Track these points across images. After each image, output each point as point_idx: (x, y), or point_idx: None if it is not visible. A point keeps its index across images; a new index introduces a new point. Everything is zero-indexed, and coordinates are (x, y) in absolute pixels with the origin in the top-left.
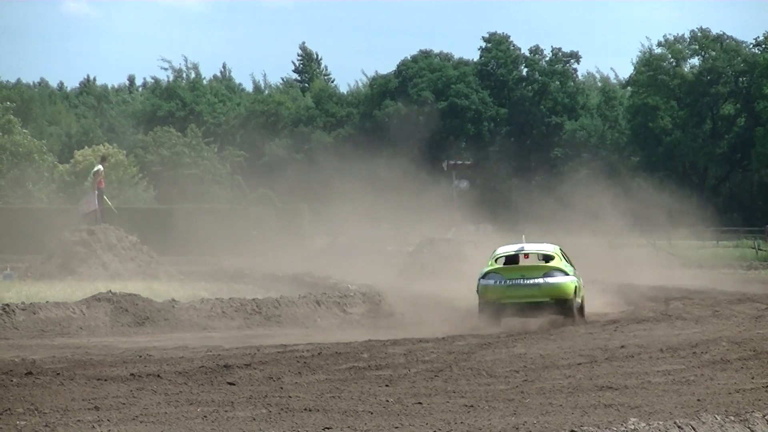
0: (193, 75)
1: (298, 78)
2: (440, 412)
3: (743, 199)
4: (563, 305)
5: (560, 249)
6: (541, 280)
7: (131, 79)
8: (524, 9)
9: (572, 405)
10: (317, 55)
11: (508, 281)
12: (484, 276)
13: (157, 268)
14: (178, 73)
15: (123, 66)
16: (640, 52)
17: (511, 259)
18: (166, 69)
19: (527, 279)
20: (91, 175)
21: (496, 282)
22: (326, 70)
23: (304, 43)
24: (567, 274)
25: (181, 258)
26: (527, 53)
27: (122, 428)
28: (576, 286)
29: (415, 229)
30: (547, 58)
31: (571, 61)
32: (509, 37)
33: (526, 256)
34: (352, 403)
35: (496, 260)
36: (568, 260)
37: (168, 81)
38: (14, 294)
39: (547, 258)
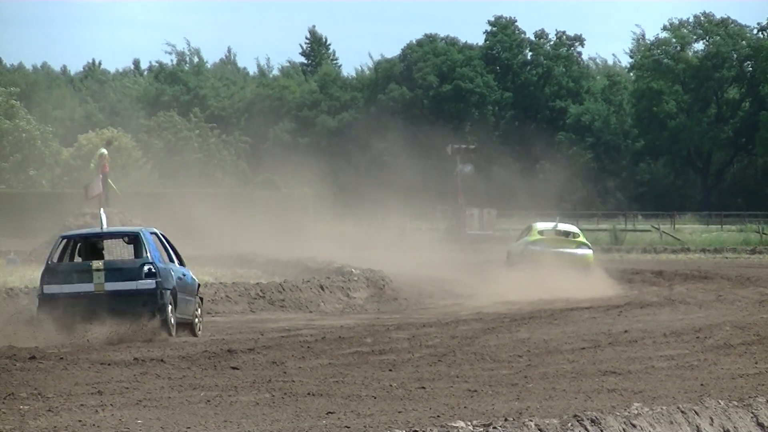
0: (196, 59)
1: (305, 62)
2: (443, 397)
3: (748, 184)
4: (586, 268)
5: (580, 229)
6: (573, 250)
7: (136, 64)
8: None
9: (575, 390)
10: (326, 39)
11: (550, 249)
12: (532, 243)
13: None
14: (181, 56)
15: (127, 50)
16: (632, 40)
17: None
18: (170, 53)
19: (564, 248)
20: (95, 158)
21: (541, 248)
22: (334, 54)
23: (314, 26)
24: (589, 248)
25: (185, 242)
26: (532, 37)
27: (125, 412)
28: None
29: (422, 213)
30: (552, 42)
31: (576, 44)
32: (515, 20)
33: (558, 232)
34: (356, 387)
35: (538, 232)
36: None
37: (172, 65)
38: (17, 278)
39: (574, 234)
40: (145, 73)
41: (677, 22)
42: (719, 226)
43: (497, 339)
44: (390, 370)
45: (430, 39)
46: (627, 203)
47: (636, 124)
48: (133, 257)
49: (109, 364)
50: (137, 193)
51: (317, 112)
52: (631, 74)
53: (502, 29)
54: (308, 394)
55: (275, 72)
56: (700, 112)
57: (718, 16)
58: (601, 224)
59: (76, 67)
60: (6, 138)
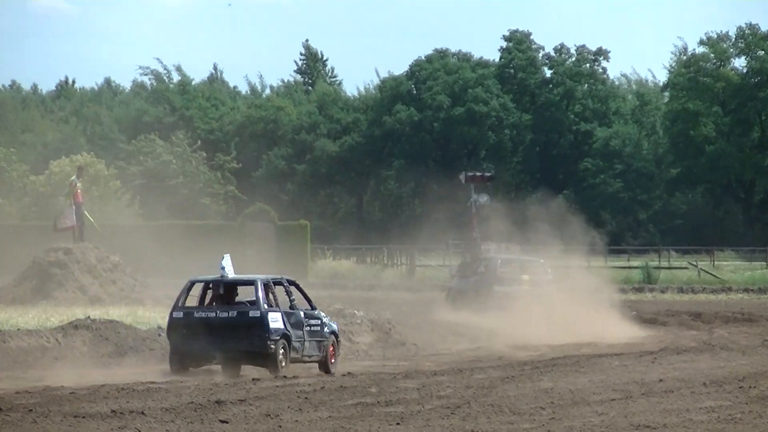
0: (177, 76)
1: (301, 79)
2: None
3: None
4: None
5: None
6: None
7: (111, 82)
8: (549, 3)
9: None
10: (322, 55)
11: None
12: None
13: (141, 292)
14: (157, 76)
15: (103, 67)
16: (673, 53)
17: None
18: (146, 74)
19: None
20: (66, 187)
21: None
22: (332, 71)
23: (307, 41)
24: None
25: (168, 281)
26: (552, 53)
27: None
28: None
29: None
30: (573, 58)
31: (600, 59)
32: (531, 34)
33: None
34: None
35: None
36: None
37: (151, 84)
38: None
39: None
40: (125, 91)
41: (716, 36)
42: (763, 263)
43: (517, 389)
44: (398, 424)
45: (441, 54)
46: (661, 237)
47: (670, 149)
48: None
49: (83, 417)
50: (114, 225)
51: (316, 135)
52: (665, 93)
53: (518, 44)
54: None
55: (268, 91)
56: (742, 136)
57: (762, 29)
58: (633, 261)
59: (47, 86)
60: None
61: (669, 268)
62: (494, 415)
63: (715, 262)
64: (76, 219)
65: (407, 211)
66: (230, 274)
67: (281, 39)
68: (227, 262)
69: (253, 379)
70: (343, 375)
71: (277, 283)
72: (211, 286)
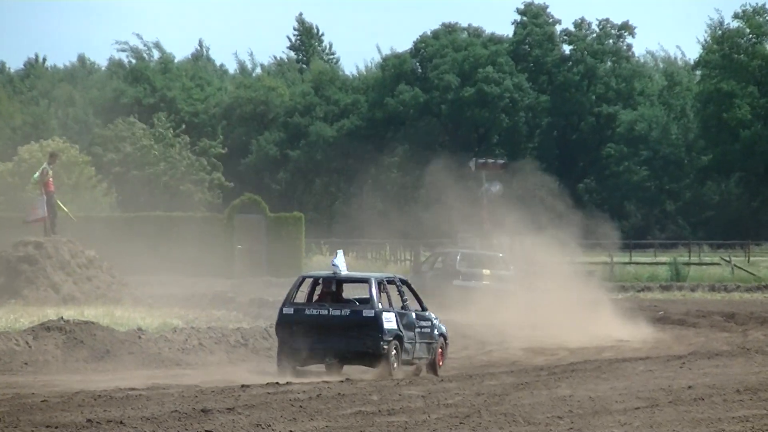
0: (157, 55)
1: (295, 57)
2: None
3: None
4: None
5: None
6: None
7: (85, 60)
8: None
9: None
10: (318, 30)
11: None
12: None
13: (119, 290)
14: (136, 52)
15: (76, 43)
16: (709, 27)
17: None
18: (124, 51)
19: None
20: (36, 176)
21: None
22: (329, 48)
23: (301, 14)
24: None
25: (148, 278)
26: (571, 27)
27: None
28: None
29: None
30: (595, 33)
31: (624, 34)
32: (548, 7)
33: None
34: None
35: None
36: None
37: (130, 62)
38: None
39: None
40: (101, 69)
41: (751, 9)
42: None
43: (532, 396)
44: None
45: (449, 29)
46: (691, 231)
47: (702, 133)
48: None
49: (56, 427)
50: (89, 217)
51: (311, 118)
52: (696, 73)
53: (534, 18)
54: None
55: (259, 70)
56: None
57: None
58: (660, 256)
59: (15, 63)
60: None
61: (699, 264)
62: (507, 425)
63: (751, 258)
64: (47, 210)
65: (411, 202)
66: (343, 270)
67: (273, 12)
68: (340, 258)
69: (242, 386)
70: (341, 381)
71: (390, 282)
72: (321, 282)
